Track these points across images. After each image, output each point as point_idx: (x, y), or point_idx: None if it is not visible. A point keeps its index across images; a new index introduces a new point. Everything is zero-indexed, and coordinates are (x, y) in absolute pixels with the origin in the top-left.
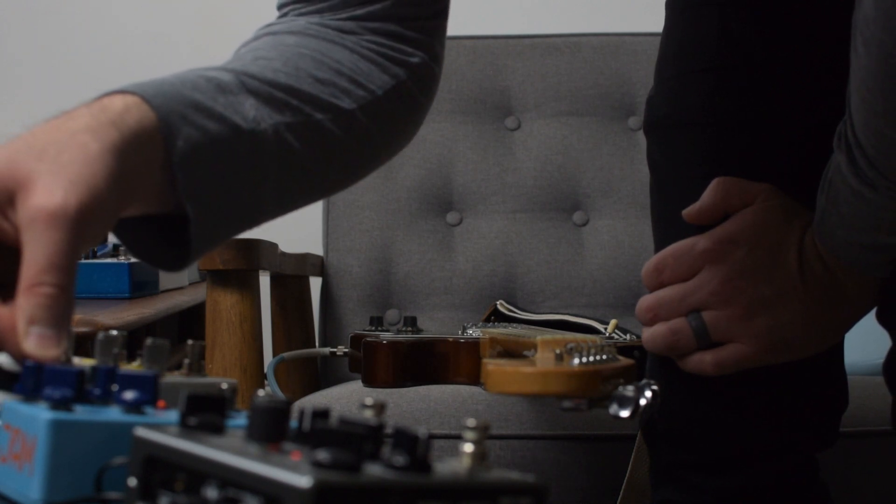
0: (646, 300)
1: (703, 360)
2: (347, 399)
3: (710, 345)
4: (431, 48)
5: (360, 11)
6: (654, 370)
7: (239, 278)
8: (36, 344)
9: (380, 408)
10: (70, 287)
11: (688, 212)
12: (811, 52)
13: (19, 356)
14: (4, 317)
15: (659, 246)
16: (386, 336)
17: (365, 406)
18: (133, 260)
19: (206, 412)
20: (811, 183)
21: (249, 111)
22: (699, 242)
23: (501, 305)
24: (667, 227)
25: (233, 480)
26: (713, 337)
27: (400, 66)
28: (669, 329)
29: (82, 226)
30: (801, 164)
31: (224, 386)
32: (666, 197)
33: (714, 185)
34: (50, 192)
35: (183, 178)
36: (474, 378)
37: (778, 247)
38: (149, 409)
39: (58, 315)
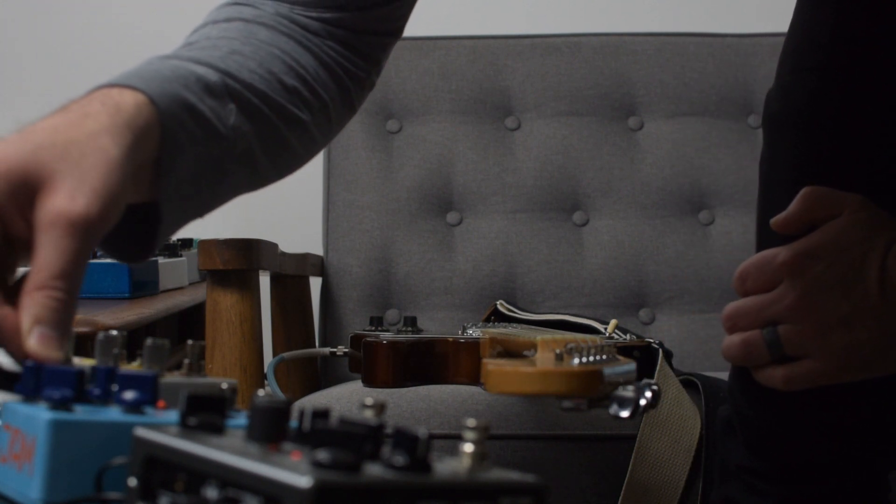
0: (728, 308)
1: (774, 375)
2: (347, 399)
3: (783, 358)
4: (378, 64)
5: (327, 15)
6: (734, 377)
7: (239, 278)
8: (39, 343)
9: (380, 408)
10: (76, 293)
11: (775, 220)
12: None
13: (20, 355)
14: (7, 316)
15: (759, 248)
16: (386, 336)
17: (365, 406)
18: None
19: (206, 412)
20: None
21: (229, 118)
22: (780, 254)
23: (501, 305)
24: (764, 230)
25: (233, 480)
26: (787, 351)
27: (350, 78)
28: (743, 340)
29: (97, 234)
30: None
31: (224, 386)
32: (766, 198)
33: (802, 194)
34: (72, 197)
35: (166, 184)
36: (474, 378)
37: (860, 262)
38: (149, 409)
39: (63, 319)
